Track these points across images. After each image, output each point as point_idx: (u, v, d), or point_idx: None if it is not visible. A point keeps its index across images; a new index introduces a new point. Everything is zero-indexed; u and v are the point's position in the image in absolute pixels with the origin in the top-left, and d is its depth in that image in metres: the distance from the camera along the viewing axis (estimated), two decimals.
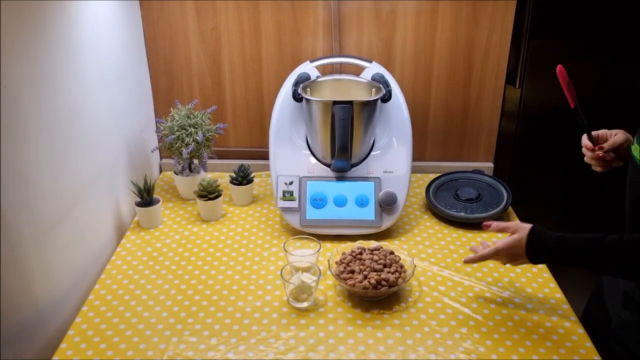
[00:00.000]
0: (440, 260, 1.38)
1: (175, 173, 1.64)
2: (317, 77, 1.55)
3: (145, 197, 1.49)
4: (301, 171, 1.49)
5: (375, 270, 1.24)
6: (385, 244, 1.35)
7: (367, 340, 1.13)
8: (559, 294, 1.26)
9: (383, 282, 1.21)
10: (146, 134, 1.71)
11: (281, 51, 1.70)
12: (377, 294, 1.21)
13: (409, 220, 1.56)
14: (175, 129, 1.55)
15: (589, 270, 1.14)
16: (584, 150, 1.23)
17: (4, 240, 0.99)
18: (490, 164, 1.84)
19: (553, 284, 1.29)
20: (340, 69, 1.70)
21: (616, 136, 1.20)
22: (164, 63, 1.73)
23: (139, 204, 1.50)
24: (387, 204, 1.44)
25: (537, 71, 1.73)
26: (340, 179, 1.48)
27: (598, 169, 1.23)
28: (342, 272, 1.25)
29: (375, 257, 1.28)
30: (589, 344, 1.12)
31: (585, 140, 1.22)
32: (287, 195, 1.46)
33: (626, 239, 1.02)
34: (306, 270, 1.26)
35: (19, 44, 1.02)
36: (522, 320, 1.18)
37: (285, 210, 1.46)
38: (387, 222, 1.46)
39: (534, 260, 1.11)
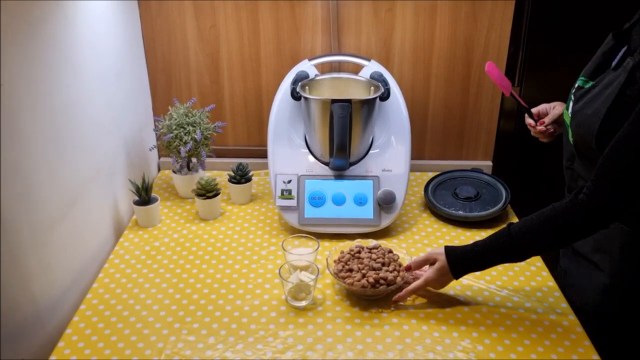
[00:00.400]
0: None
1: (174, 172, 1.64)
2: (316, 75, 1.55)
3: (144, 195, 1.49)
4: (300, 170, 1.49)
5: (374, 269, 1.24)
6: (384, 243, 1.35)
7: (366, 339, 1.13)
8: (557, 292, 1.26)
9: (381, 281, 1.21)
10: (144, 132, 1.71)
11: (280, 49, 1.70)
12: (376, 292, 1.21)
13: (408, 219, 1.56)
14: (174, 127, 1.55)
15: (513, 262, 1.24)
16: (528, 127, 1.35)
17: (2, 239, 0.99)
18: (489, 163, 1.84)
19: (552, 282, 1.29)
20: (339, 67, 1.69)
21: (554, 109, 1.32)
22: (162, 61, 1.73)
23: (137, 203, 1.50)
24: (385, 203, 1.44)
25: (536, 69, 1.73)
26: (339, 177, 1.48)
27: (545, 140, 1.35)
28: (341, 271, 1.25)
29: (374, 256, 1.28)
30: (587, 342, 1.12)
31: (527, 119, 1.35)
32: (286, 194, 1.46)
33: (528, 224, 1.11)
34: (304, 269, 1.25)
35: (16, 42, 1.01)
36: (520, 319, 1.18)
37: (284, 208, 1.46)
38: (386, 221, 1.46)
39: (460, 276, 1.20)
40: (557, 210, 1.08)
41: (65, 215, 1.21)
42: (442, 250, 1.20)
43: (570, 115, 1.17)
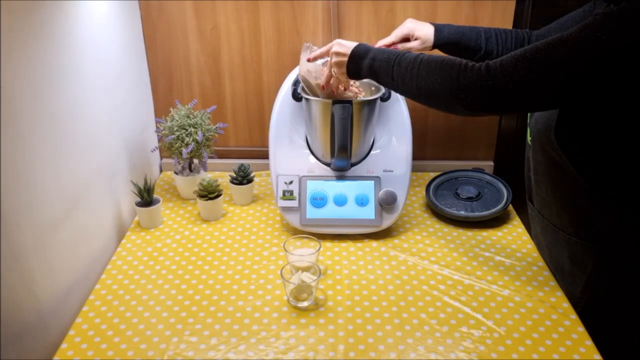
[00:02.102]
0: (440, 259, 1.38)
1: (176, 173, 1.64)
2: None
3: (146, 197, 1.49)
4: (301, 170, 1.49)
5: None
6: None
7: (367, 339, 1.13)
8: (559, 292, 1.26)
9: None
10: (146, 134, 1.71)
11: (281, 50, 1.70)
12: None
13: (409, 219, 1.56)
14: (175, 128, 1.56)
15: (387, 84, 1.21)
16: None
17: (5, 241, 0.99)
18: (491, 163, 1.84)
19: (553, 282, 1.30)
20: None
21: (411, 43, 1.38)
22: (164, 63, 1.73)
23: (139, 204, 1.50)
24: (387, 203, 1.44)
25: None
26: (340, 178, 1.48)
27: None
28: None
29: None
30: (588, 342, 1.12)
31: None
32: (287, 195, 1.46)
33: (429, 55, 1.11)
34: (306, 269, 1.26)
35: (18, 44, 1.02)
36: (521, 319, 1.18)
37: (285, 209, 1.46)
38: (387, 221, 1.46)
39: (352, 64, 1.20)
40: (466, 63, 1.05)
41: (67, 217, 1.21)
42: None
43: (529, 114, 1.21)
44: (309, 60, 1.32)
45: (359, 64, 1.20)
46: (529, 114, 1.26)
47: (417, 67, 1.10)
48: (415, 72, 1.10)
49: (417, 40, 1.36)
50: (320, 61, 1.35)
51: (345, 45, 1.23)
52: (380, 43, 1.39)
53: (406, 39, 1.38)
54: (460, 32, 1.36)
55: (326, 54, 1.28)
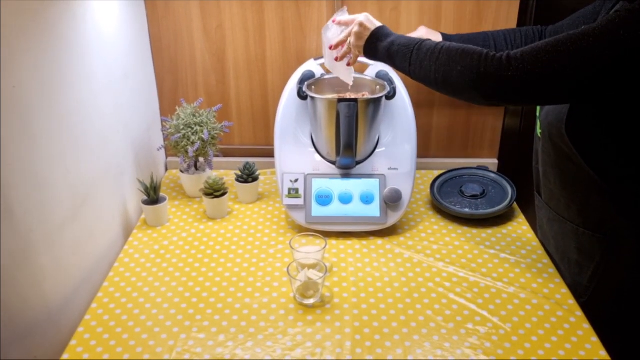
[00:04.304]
0: (446, 257, 1.39)
1: (181, 171, 1.65)
2: (322, 74, 1.56)
3: (152, 195, 1.50)
4: (306, 169, 1.49)
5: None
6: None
7: (374, 336, 1.14)
8: (564, 289, 1.27)
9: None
10: (152, 132, 1.72)
11: (286, 49, 1.71)
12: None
13: (414, 216, 1.57)
14: (181, 127, 1.56)
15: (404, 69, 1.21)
16: None
17: (15, 239, 1.00)
18: (495, 160, 1.85)
19: (559, 279, 1.30)
20: None
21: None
22: (169, 62, 1.74)
23: (145, 202, 1.51)
24: (392, 201, 1.45)
25: None
26: (346, 176, 1.49)
27: None
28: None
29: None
30: (594, 338, 1.13)
31: None
32: (293, 193, 1.47)
33: (450, 44, 1.12)
34: (312, 267, 1.27)
35: (26, 44, 1.02)
36: (527, 316, 1.19)
37: (291, 207, 1.47)
38: (392, 219, 1.47)
39: (372, 41, 1.23)
40: (487, 52, 1.06)
41: (76, 215, 1.22)
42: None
43: (539, 107, 1.23)
44: (333, 22, 1.34)
45: (377, 44, 1.22)
46: (538, 107, 1.26)
47: (437, 53, 1.11)
48: (435, 58, 1.11)
49: None
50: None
51: (371, 22, 1.26)
52: None
53: None
54: (468, 39, 1.37)
55: (352, 22, 1.29)
